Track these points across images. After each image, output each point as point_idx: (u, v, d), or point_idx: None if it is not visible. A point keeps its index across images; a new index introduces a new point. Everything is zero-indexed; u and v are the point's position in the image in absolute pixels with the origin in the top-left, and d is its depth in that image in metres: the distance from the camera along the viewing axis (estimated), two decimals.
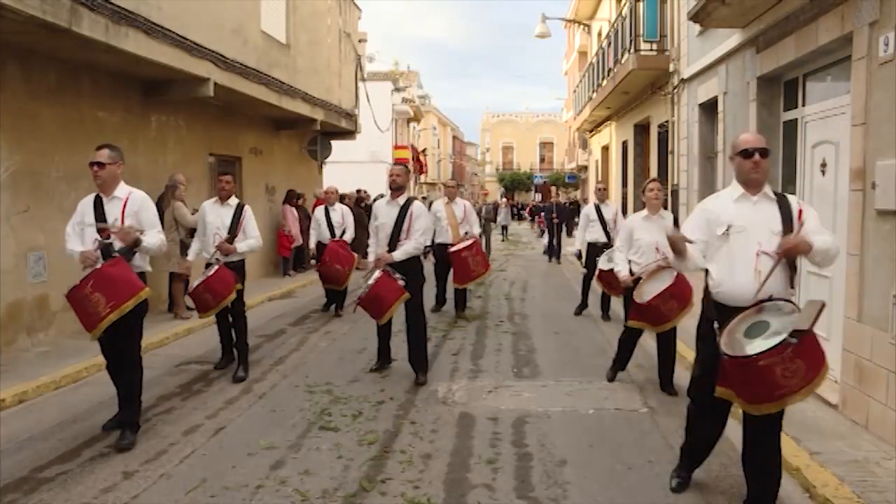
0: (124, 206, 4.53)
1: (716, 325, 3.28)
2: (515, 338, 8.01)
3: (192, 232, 8.92)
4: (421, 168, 38.11)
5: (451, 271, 9.00)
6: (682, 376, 5.77)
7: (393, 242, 5.90)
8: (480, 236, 17.49)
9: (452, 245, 8.80)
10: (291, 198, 13.51)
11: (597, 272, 8.16)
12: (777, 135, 6.79)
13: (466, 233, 9.10)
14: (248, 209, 6.33)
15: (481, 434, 4.73)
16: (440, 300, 9.76)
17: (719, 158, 8.26)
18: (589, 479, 3.98)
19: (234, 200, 6.33)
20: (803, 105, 6.34)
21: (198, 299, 6.12)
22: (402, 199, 6.02)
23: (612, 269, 7.83)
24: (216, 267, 6.04)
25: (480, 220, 18.10)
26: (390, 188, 6.05)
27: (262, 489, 3.83)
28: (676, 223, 5.54)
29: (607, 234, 8.79)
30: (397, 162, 6.03)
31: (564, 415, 5.16)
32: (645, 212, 5.77)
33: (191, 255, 6.59)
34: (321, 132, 14.83)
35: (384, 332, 6.35)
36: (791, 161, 6.52)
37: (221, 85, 9.20)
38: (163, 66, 7.92)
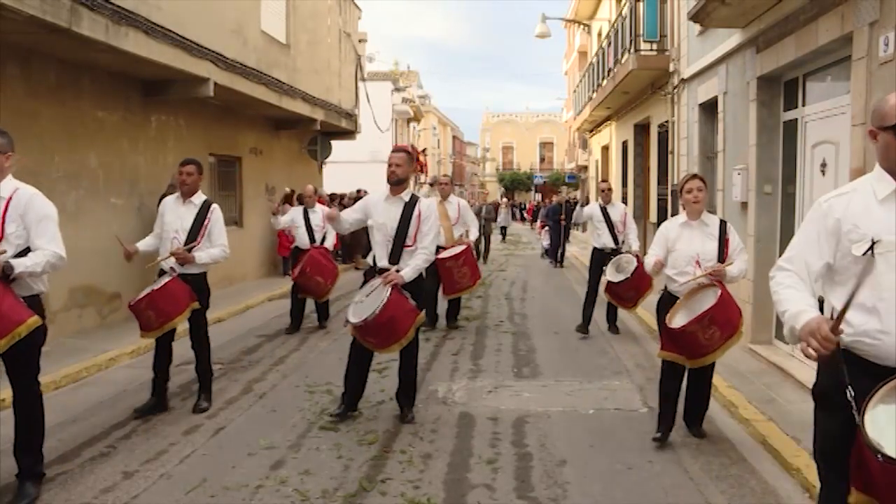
0: (6, 208, 3.51)
1: (850, 392, 2.12)
2: (515, 338, 8.00)
3: None
4: (422, 168, 38.09)
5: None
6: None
7: (396, 250, 4.81)
8: (480, 238, 17.35)
9: (445, 248, 7.74)
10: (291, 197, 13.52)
11: (605, 284, 7.49)
12: (777, 135, 6.79)
13: (463, 235, 8.17)
14: (216, 210, 5.21)
15: (481, 434, 4.72)
16: (430, 315, 8.32)
17: (719, 158, 8.26)
18: (589, 479, 3.98)
19: (199, 198, 5.19)
20: (803, 105, 6.34)
21: (139, 315, 4.96)
22: (405, 195, 4.91)
23: (622, 281, 7.18)
24: (167, 279, 4.97)
25: (480, 220, 17.84)
26: (389, 181, 4.90)
27: (262, 489, 3.82)
28: (724, 231, 4.48)
29: (615, 238, 7.91)
30: (398, 148, 5.00)
31: (564, 415, 5.15)
32: (682, 217, 4.59)
33: (141, 245, 5.22)
34: (321, 132, 14.84)
35: (365, 365, 5.06)
36: (791, 161, 6.53)
37: (221, 85, 9.20)
38: (163, 66, 7.92)
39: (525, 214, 44.09)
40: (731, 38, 7.51)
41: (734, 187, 7.44)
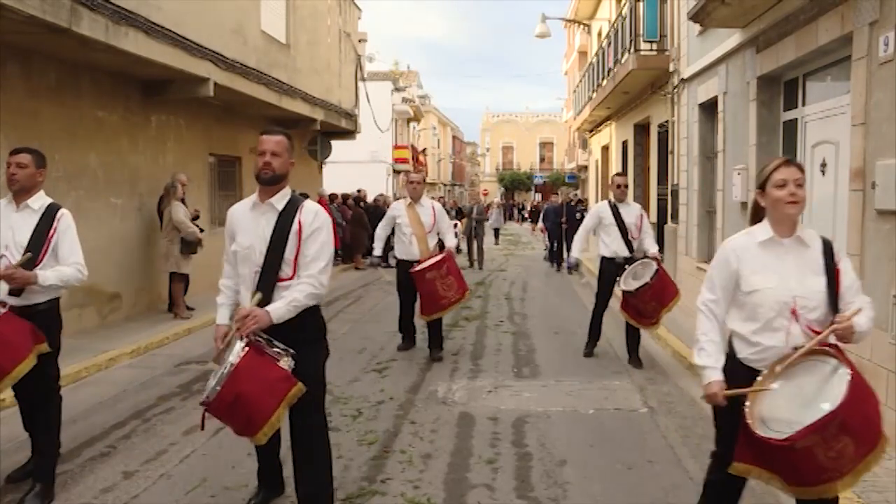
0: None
1: None
2: (515, 338, 8.00)
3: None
4: (417, 168, 38.09)
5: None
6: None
7: (266, 286, 3.14)
8: (472, 239, 16.99)
9: (420, 262, 6.59)
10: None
11: (620, 298, 6.50)
12: (777, 135, 6.80)
13: (439, 245, 7.00)
14: (65, 217, 3.76)
15: (481, 434, 4.73)
16: (408, 334, 7.30)
17: (719, 158, 8.26)
18: (589, 479, 3.98)
19: (38, 201, 3.74)
20: (803, 105, 6.35)
21: None
22: (279, 201, 3.21)
23: (640, 288, 6.14)
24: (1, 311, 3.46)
25: (471, 221, 17.09)
26: (257, 178, 3.20)
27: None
28: (830, 258, 2.64)
29: (629, 244, 6.58)
30: (272, 130, 3.25)
31: (564, 415, 5.16)
32: (764, 230, 2.68)
33: None
34: (321, 132, 14.85)
35: (271, 447, 3.55)
36: None
37: (221, 85, 9.20)
38: (163, 66, 7.93)
39: (525, 215, 43.77)
40: (730, 38, 7.51)
41: (734, 187, 7.43)
